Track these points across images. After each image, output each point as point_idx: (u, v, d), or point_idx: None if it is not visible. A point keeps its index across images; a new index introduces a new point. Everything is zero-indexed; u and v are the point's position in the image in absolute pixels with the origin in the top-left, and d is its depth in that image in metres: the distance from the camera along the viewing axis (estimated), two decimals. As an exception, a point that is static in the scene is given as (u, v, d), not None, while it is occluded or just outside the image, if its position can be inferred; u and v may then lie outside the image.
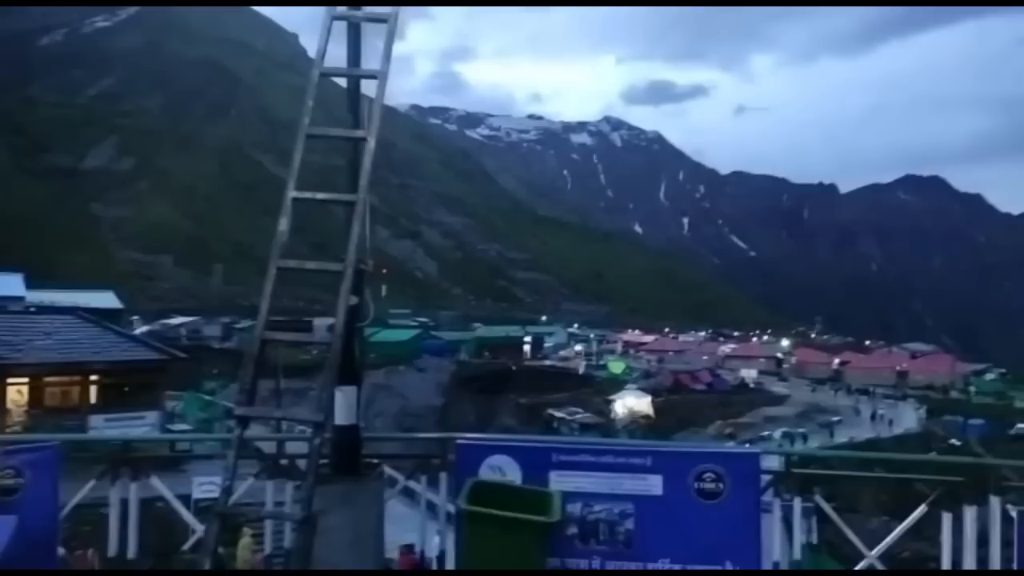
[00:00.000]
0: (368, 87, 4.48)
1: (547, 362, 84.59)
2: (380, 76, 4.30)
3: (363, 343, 4.38)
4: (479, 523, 4.12)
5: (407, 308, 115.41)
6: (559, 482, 4.55)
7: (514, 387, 66.71)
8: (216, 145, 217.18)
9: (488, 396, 65.42)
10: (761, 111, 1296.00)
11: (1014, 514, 4.08)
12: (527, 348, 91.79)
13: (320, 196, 4.15)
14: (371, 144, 4.17)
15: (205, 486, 8.40)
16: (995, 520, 4.22)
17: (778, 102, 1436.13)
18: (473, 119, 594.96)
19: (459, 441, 4.69)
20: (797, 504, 4.98)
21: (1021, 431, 63.05)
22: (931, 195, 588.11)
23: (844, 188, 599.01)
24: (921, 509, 4.49)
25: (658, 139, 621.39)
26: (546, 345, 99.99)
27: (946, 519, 4.39)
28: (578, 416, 55.64)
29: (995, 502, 4.26)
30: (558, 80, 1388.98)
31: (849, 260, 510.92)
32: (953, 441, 58.74)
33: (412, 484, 5.04)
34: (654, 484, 4.58)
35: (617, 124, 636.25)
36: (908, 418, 66.52)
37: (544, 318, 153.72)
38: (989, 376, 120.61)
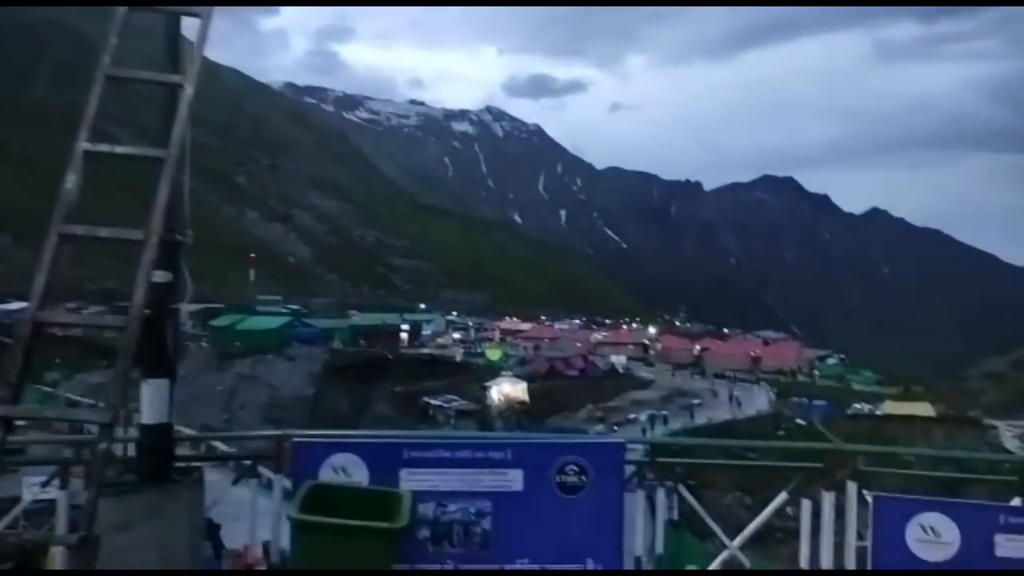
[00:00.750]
0: (192, 30, 3.82)
1: (424, 350, 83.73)
2: (204, 15, 3.65)
3: (177, 328, 3.72)
4: (313, 533, 3.61)
5: (278, 295, 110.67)
6: (410, 481, 4.11)
7: (390, 375, 65.51)
8: (62, 115, 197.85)
9: (363, 385, 63.89)
10: (635, 109, 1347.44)
11: (869, 499, 4.13)
12: (404, 336, 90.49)
13: (120, 150, 3.45)
14: (188, 92, 3.51)
15: (35, 487, 7.45)
16: (852, 505, 4.24)
17: (651, 101, 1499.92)
18: (351, 101, 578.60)
19: (295, 439, 4.14)
20: (661, 494, 4.79)
21: (857, 411, 69.37)
22: (785, 195, 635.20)
23: (708, 186, 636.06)
24: (782, 497, 4.48)
25: (538, 132, 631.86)
26: (424, 333, 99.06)
27: (805, 505, 4.38)
28: (454, 404, 55.42)
29: (852, 488, 4.29)
30: (439, 67, 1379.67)
31: (711, 254, 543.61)
32: (799, 421, 63.65)
33: (241, 489, 4.43)
34: (514, 479, 4.25)
35: (499, 115, 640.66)
36: (760, 400, 71.36)
37: (422, 306, 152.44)
38: (831, 361, 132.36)
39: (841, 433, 61.60)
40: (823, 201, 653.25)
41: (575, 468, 4.34)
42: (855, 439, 60.49)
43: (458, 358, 78.78)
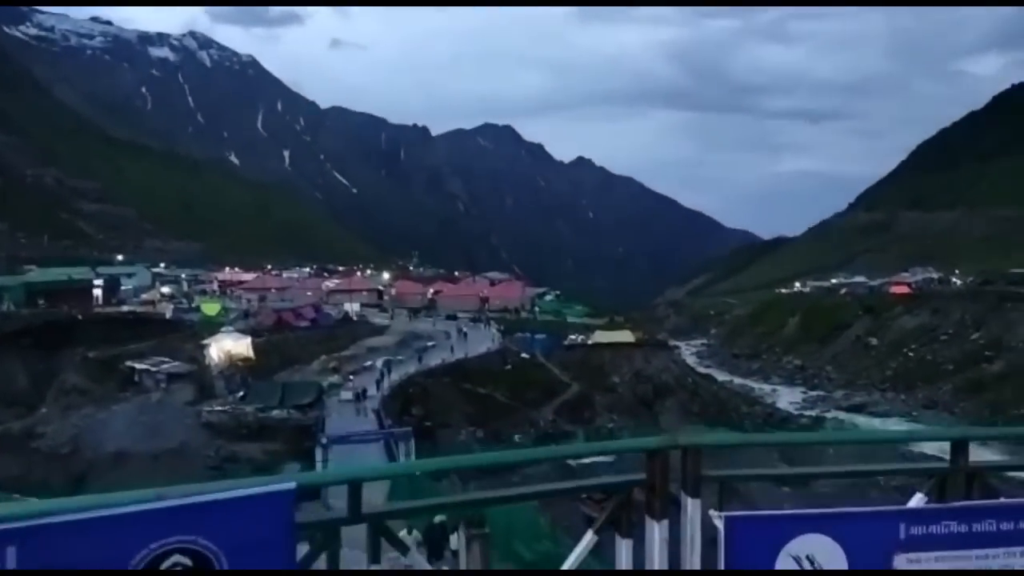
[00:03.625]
0: None
1: (125, 308, 73.11)
2: None
3: None
4: None
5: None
6: None
7: (81, 339, 56.36)
8: None
9: (45, 352, 54.34)
10: (357, 48, 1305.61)
11: (719, 523, 2.63)
12: (99, 293, 78.09)
13: None
14: None
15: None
16: (693, 532, 2.78)
17: (374, 41, 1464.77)
18: (15, 14, 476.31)
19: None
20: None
21: (572, 341, 75.84)
22: (505, 143, 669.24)
23: (435, 131, 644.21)
24: (589, 538, 2.88)
25: (253, 64, 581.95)
26: (124, 288, 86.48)
27: (623, 548, 2.83)
28: (164, 366, 49.08)
29: (692, 507, 2.81)
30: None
31: (440, 199, 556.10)
32: (524, 355, 67.85)
33: None
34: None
35: (205, 42, 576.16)
36: (489, 338, 74.60)
37: (120, 257, 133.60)
38: (549, 298, 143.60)
39: (560, 362, 67.06)
40: (538, 149, 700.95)
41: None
42: (572, 367, 66.04)
43: (168, 315, 70.23)
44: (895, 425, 62.55)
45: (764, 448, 42.32)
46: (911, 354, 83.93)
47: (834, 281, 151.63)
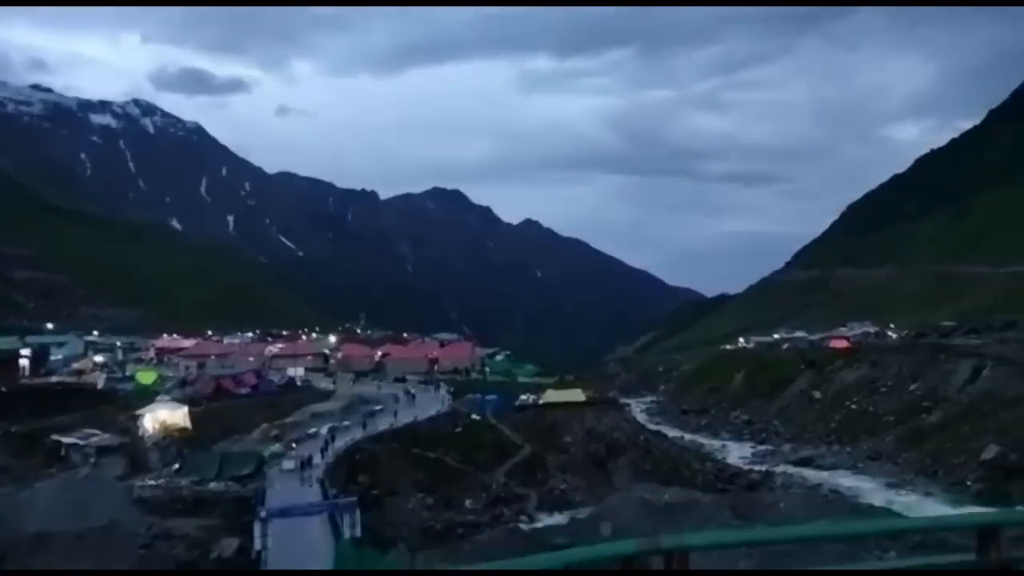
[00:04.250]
0: None
1: (53, 378, 69.61)
2: None
3: None
4: None
5: None
6: None
7: (5, 413, 53.13)
8: None
9: (-38, 429, 50.80)
10: (305, 114, 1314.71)
11: None
12: (25, 363, 74.14)
13: None
14: None
15: None
16: None
17: (321, 107, 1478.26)
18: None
19: None
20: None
21: (523, 402, 75.03)
22: (453, 206, 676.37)
23: (383, 195, 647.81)
24: None
25: (198, 130, 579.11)
26: (53, 358, 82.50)
27: None
28: (94, 439, 46.52)
29: None
30: (67, 49, 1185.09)
31: (389, 261, 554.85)
32: (475, 416, 66.78)
33: None
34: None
35: (149, 109, 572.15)
36: (439, 400, 73.38)
37: (51, 325, 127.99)
38: (499, 357, 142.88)
39: (512, 423, 66.16)
40: (486, 212, 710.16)
41: None
42: (524, 428, 65.13)
43: (100, 385, 67.08)
44: (904, 505, 63.19)
45: (716, 508, 41.90)
46: (853, 406, 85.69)
47: (776, 336, 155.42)
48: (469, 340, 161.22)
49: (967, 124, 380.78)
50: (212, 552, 32.49)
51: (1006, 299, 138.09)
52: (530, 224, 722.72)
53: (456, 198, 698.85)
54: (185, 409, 53.15)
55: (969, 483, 53.91)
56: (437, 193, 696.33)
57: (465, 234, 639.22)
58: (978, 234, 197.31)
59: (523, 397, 77.42)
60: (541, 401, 73.41)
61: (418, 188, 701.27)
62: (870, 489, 57.36)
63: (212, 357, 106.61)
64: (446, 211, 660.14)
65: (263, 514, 28.11)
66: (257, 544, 27.28)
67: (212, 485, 38.49)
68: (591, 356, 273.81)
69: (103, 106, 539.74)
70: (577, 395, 75.18)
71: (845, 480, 61.87)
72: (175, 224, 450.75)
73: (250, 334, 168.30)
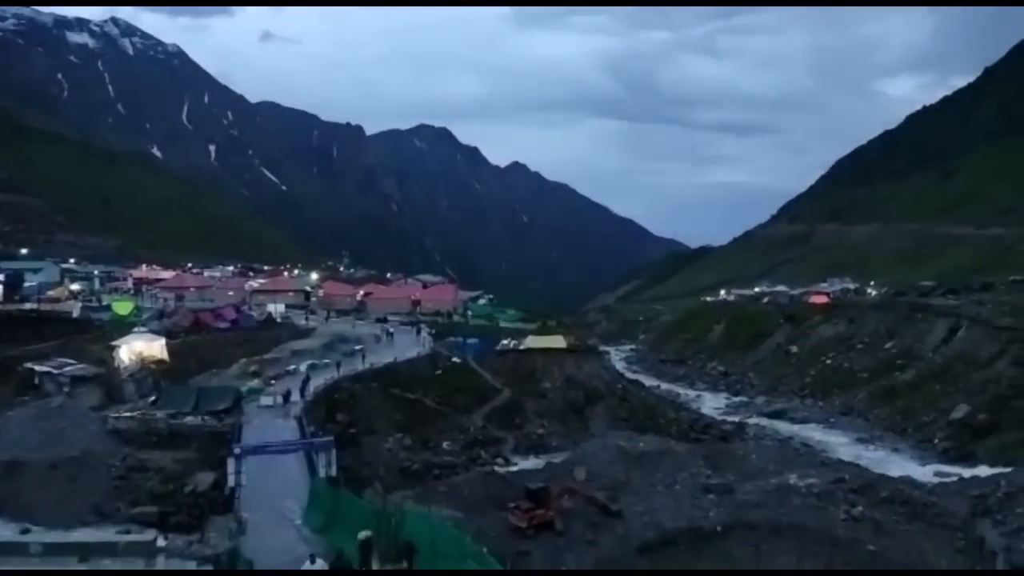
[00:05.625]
0: None
1: (28, 305, 68.38)
2: None
3: None
4: None
5: None
6: None
7: (-25, 339, 52.32)
8: None
9: (-67, 353, 50.07)
10: (290, 42, 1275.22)
11: None
12: (-1, 289, 72.86)
13: None
14: None
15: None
16: None
17: (307, 35, 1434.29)
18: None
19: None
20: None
21: (504, 347, 75.12)
22: (440, 145, 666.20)
23: (369, 130, 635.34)
24: None
25: (179, 54, 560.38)
26: (28, 284, 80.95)
27: None
28: (68, 369, 45.88)
29: None
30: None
31: (373, 199, 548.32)
32: (455, 359, 66.85)
33: None
34: None
35: (128, 29, 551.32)
36: (420, 342, 73.24)
37: (26, 251, 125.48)
38: (482, 301, 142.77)
39: (492, 367, 66.39)
40: (474, 153, 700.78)
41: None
42: (504, 372, 65.36)
43: (75, 314, 65.99)
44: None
45: (689, 456, 42.45)
46: (829, 362, 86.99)
47: (757, 290, 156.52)
48: (452, 283, 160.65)
49: (961, 81, 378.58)
50: (187, 486, 32.46)
51: (987, 261, 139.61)
52: (517, 167, 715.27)
53: (443, 136, 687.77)
54: (162, 341, 52.45)
55: (936, 441, 55.16)
56: (424, 131, 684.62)
57: (452, 175, 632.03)
58: (964, 194, 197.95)
59: (504, 342, 77.46)
60: (522, 346, 73.50)
61: (405, 125, 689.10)
62: (840, 444, 58.63)
63: (191, 289, 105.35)
64: (433, 150, 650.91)
65: (237, 450, 27.90)
66: (231, 480, 27.16)
67: (188, 419, 38.21)
68: (574, 303, 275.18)
69: (80, 24, 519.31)
70: (558, 341, 75.27)
71: (816, 434, 63.12)
72: (155, 152, 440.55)
73: (231, 268, 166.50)
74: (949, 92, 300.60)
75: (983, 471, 43.68)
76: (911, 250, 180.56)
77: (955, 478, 42.94)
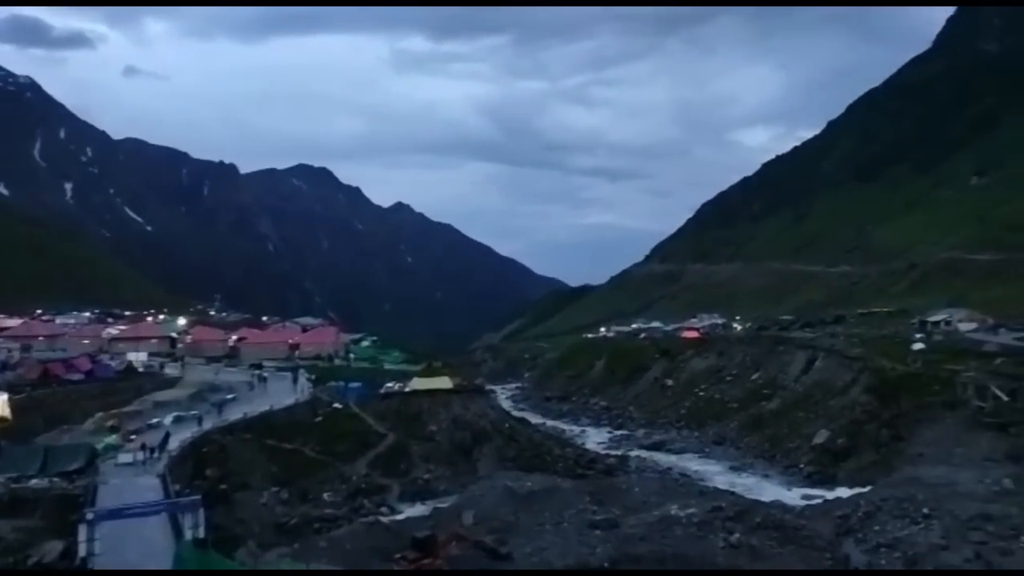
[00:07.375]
0: None
1: None
2: None
3: None
4: None
5: None
6: None
7: None
8: None
9: None
10: (157, 78, 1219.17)
11: None
12: None
13: None
14: None
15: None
16: None
17: (175, 71, 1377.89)
18: None
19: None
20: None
21: (389, 389, 73.44)
22: (321, 184, 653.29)
23: (244, 169, 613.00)
24: None
25: (32, 86, 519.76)
26: None
27: None
28: None
29: None
30: None
31: (248, 239, 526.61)
32: (336, 405, 64.57)
33: None
34: None
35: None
36: (298, 388, 70.29)
37: None
38: (365, 344, 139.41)
39: (376, 412, 64.56)
40: (356, 193, 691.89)
41: None
42: (389, 416, 63.70)
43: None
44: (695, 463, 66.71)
45: (576, 493, 42.72)
46: (702, 393, 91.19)
47: (634, 326, 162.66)
48: (334, 325, 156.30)
49: (809, 133, 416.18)
50: (31, 557, 29.06)
51: (836, 296, 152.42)
52: (401, 208, 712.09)
53: (323, 176, 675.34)
54: (5, 397, 47.50)
55: (802, 466, 58.64)
56: (303, 170, 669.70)
57: (333, 215, 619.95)
58: (815, 236, 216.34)
59: (389, 385, 75.81)
60: (408, 389, 72.18)
61: (282, 164, 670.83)
62: (715, 472, 61.17)
63: (40, 339, 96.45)
64: (312, 189, 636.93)
65: (89, 515, 25.19)
66: (82, 550, 24.39)
67: (33, 482, 34.53)
68: (459, 343, 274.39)
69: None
70: (444, 382, 74.56)
71: (693, 464, 65.58)
72: (2, 190, 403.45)
73: (86, 314, 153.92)
74: (798, 143, 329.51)
75: (844, 492, 46.69)
76: (771, 287, 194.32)
77: (820, 500, 45.61)
